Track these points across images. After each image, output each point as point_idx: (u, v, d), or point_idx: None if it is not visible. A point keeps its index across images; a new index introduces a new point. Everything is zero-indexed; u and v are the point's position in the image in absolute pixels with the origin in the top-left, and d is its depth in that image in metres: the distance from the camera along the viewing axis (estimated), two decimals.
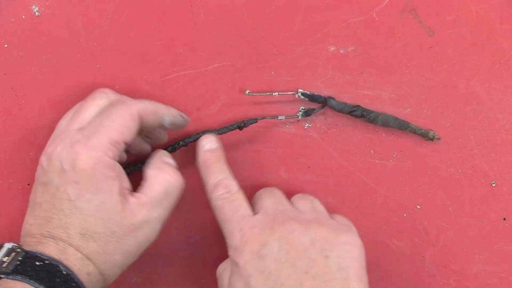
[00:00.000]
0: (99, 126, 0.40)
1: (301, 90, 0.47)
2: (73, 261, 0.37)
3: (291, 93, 0.47)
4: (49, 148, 0.41)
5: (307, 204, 0.43)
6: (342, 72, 0.48)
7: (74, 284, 0.36)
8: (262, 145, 0.48)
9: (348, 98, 0.48)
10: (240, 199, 0.42)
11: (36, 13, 0.47)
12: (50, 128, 0.48)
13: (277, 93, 0.47)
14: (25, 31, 0.47)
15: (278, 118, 0.47)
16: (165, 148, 0.46)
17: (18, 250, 0.37)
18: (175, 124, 0.44)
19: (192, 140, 0.46)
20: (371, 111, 0.47)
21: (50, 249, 0.37)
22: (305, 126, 0.48)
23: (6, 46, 0.47)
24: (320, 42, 0.47)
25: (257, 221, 0.40)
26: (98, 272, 0.38)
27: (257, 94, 0.47)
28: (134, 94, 0.48)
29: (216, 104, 0.48)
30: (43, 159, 0.41)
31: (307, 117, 0.48)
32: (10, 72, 0.47)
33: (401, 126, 0.47)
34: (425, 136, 0.47)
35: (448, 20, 0.47)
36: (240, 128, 0.46)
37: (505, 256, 0.48)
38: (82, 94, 0.48)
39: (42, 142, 0.48)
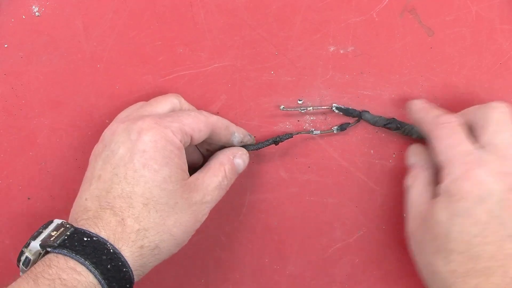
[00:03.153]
0: (172, 115, 0.41)
1: (335, 105, 0.47)
2: (129, 233, 0.37)
3: (325, 107, 0.47)
4: (113, 125, 0.41)
5: None
6: (342, 72, 0.48)
7: (120, 263, 0.36)
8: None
9: (348, 98, 0.48)
10: (461, 132, 0.40)
11: (36, 13, 0.47)
12: (50, 128, 0.48)
13: (311, 108, 0.47)
14: (25, 31, 0.47)
15: (314, 133, 0.47)
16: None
17: (67, 225, 0.37)
18: (243, 142, 0.46)
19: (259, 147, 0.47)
20: (406, 124, 0.47)
21: (107, 221, 0.37)
22: (304, 126, 0.48)
23: (6, 46, 0.47)
24: (320, 42, 0.47)
25: (484, 161, 0.38)
26: (154, 245, 0.38)
27: (292, 109, 0.47)
28: (134, 94, 0.48)
29: (216, 104, 0.48)
30: (106, 135, 0.41)
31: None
32: (10, 72, 0.47)
33: None
34: None
35: (448, 20, 0.47)
36: (276, 143, 0.47)
37: None
38: (82, 94, 0.48)
39: (42, 142, 0.48)
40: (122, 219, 0.37)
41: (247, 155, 0.45)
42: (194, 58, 0.48)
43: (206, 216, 0.42)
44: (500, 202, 0.37)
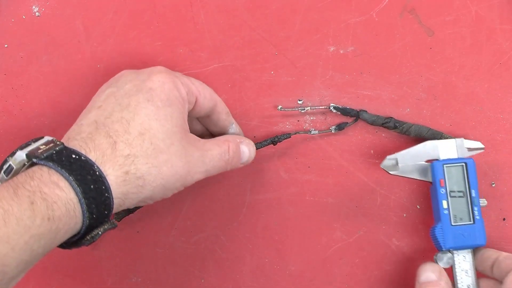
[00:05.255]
0: (182, 74, 0.42)
1: (333, 104, 0.47)
2: (118, 157, 0.36)
3: (323, 107, 0.47)
4: (120, 72, 0.42)
5: None
6: (342, 72, 0.48)
7: (104, 187, 0.35)
8: None
9: (348, 98, 0.48)
10: None
11: (36, 13, 0.47)
12: (50, 128, 0.48)
13: (309, 108, 0.47)
14: (25, 31, 0.47)
15: (312, 133, 0.47)
16: None
17: (58, 142, 0.36)
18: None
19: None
20: (404, 123, 0.47)
21: (99, 142, 0.36)
22: (304, 126, 0.48)
23: (6, 46, 0.47)
24: (320, 42, 0.47)
25: None
26: (140, 174, 0.37)
27: (289, 109, 0.47)
28: None
29: None
30: (113, 78, 0.41)
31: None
32: (10, 72, 0.47)
33: (435, 137, 0.47)
34: None
35: (448, 20, 0.47)
36: (274, 143, 0.47)
37: None
38: (82, 94, 0.48)
39: None
40: (115, 142, 0.37)
41: (254, 147, 0.45)
42: (194, 58, 0.48)
43: (199, 178, 0.41)
44: None
